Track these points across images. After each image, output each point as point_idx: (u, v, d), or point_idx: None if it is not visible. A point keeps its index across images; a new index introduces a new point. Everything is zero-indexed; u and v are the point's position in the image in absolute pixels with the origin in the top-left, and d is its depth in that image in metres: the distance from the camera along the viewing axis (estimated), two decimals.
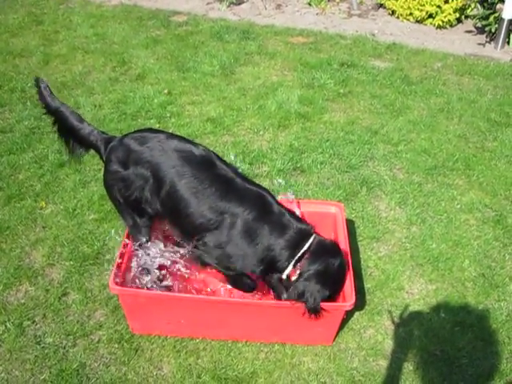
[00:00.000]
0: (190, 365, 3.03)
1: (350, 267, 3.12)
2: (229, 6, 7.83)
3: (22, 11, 7.65)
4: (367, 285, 3.55)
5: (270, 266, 2.98)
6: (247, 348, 3.12)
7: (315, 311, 2.87)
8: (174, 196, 2.97)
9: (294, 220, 2.99)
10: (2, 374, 2.97)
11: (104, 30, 7.07)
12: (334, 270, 2.93)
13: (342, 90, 5.69)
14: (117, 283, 2.97)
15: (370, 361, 3.10)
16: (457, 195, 4.32)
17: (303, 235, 2.96)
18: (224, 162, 3.11)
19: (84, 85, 5.76)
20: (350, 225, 3.98)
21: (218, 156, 3.12)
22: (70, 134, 3.33)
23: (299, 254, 2.93)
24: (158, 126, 5.07)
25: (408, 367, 3.06)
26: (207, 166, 3.01)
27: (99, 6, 7.95)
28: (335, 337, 3.17)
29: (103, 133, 3.31)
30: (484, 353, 3.15)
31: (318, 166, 4.54)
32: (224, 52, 6.45)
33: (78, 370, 2.99)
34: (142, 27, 7.18)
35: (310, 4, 7.83)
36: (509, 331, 3.27)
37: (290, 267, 2.94)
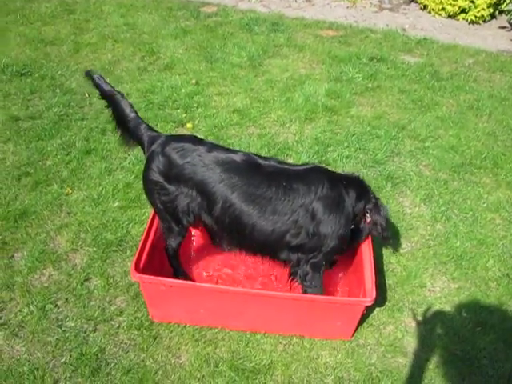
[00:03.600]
0: (207, 354, 3.05)
1: (372, 261, 3.11)
2: None
3: (54, 0, 7.74)
4: (388, 281, 3.53)
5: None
6: (265, 340, 3.13)
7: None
8: (232, 211, 2.89)
9: (348, 175, 3.19)
10: (25, 355, 3.03)
11: (134, 19, 7.12)
12: None
13: (370, 85, 5.63)
14: (138, 271, 3.00)
15: (389, 357, 3.08)
16: (483, 193, 4.26)
17: (362, 184, 3.17)
18: (265, 158, 3.06)
19: (113, 73, 5.81)
20: None
21: (257, 155, 3.07)
22: (120, 122, 3.30)
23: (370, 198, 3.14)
24: (184, 115, 5.10)
25: (427, 366, 3.04)
26: (254, 169, 2.93)
27: None
28: (354, 332, 3.16)
29: (150, 128, 3.21)
30: (505, 354, 3.11)
31: (344, 160, 4.51)
32: (252, 44, 6.43)
33: (97, 355, 3.03)
34: (171, 17, 7.21)
35: None
36: None
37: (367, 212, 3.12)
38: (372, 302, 2.91)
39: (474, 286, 3.52)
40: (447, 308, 3.37)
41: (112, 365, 2.99)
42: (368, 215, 3.13)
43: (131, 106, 3.27)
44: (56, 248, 3.72)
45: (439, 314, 3.34)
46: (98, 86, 3.28)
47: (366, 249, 3.22)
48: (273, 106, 5.27)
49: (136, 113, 3.26)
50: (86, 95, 5.39)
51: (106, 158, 4.50)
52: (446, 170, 4.48)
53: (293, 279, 3.16)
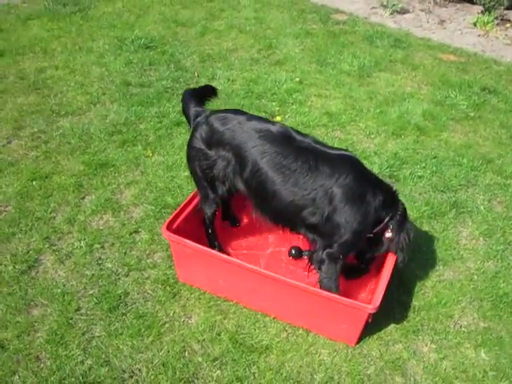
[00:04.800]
0: (215, 322, 3.23)
1: (389, 273, 3.10)
2: (392, 14, 7.78)
3: None
4: (415, 302, 3.46)
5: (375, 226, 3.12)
6: (273, 324, 3.24)
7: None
8: (259, 175, 3.05)
9: (382, 181, 3.21)
10: (63, 280, 3.43)
11: (265, 15, 7.46)
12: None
13: (472, 114, 5.43)
14: (170, 230, 3.26)
15: (386, 373, 3.05)
16: None
17: (394, 196, 3.18)
18: (302, 134, 3.16)
19: (226, 59, 6.18)
20: (423, 242, 3.89)
21: (295, 130, 3.18)
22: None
23: (397, 215, 3.13)
24: (278, 109, 5.31)
25: None
26: (287, 141, 3.06)
27: None
28: (359, 339, 3.16)
29: (198, 104, 3.45)
30: None
31: (415, 180, 4.44)
32: (368, 55, 6.46)
33: (120, 296, 3.35)
34: (300, 19, 7.44)
35: (474, 24, 7.49)
36: None
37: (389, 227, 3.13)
38: (374, 311, 2.90)
39: (504, 330, 3.32)
40: (467, 344, 3.23)
41: (129, 308, 3.29)
42: (389, 231, 3.11)
43: (191, 91, 3.58)
44: (121, 199, 4.11)
45: (455, 347, 3.21)
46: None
47: (389, 260, 3.21)
48: (365, 115, 5.30)
49: (191, 95, 3.52)
50: (196, 74, 5.81)
51: None
52: None
53: (311, 264, 3.24)
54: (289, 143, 3.05)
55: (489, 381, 3.04)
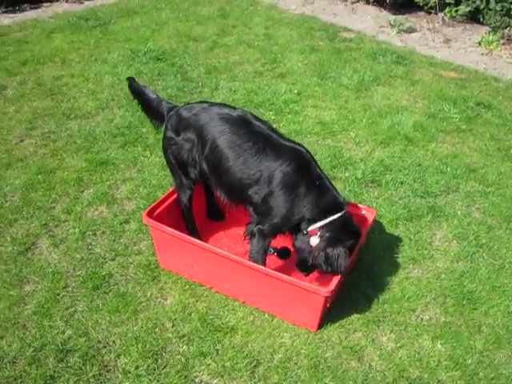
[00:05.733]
0: (188, 303, 3.50)
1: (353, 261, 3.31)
2: (399, 33, 8.04)
3: (215, 5, 8.77)
4: (380, 296, 3.63)
5: (300, 221, 3.30)
6: (242, 308, 3.47)
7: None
8: (216, 151, 3.37)
9: (331, 186, 3.34)
10: (55, 261, 3.76)
11: (274, 32, 7.81)
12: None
13: (463, 126, 5.63)
14: (150, 216, 3.55)
15: (343, 358, 3.21)
16: None
17: (337, 205, 3.28)
18: (261, 120, 3.46)
19: (231, 71, 6.53)
20: (396, 242, 4.08)
21: (255, 116, 3.49)
22: (146, 106, 3.93)
23: (327, 221, 3.23)
24: (273, 117, 5.59)
25: (375, 379, 3.12)
26: (244, 124, 3.37)
27: (283, 12, 8.74)
28: (320, 325, 3.36)
29: (169, 103, 3.84)
30: None
31: (396, 185, 4.65)
32: (369, 70, 6.72)
33: (104, 277, 3.65)
34: (308, 36, 7.76)
35: (479, 43, 7.68)
36: None
37: (314, 228, 3.25)
38: (328, 294, 3.10)
39: (464, 325, 3.47)
40: (425, 336, 3.38)
41: (111, 287, 3.58)
42: (317, 237, 3.26)
43: (153, 91, 3.93)
44: (116, 193, 4.44)
45: (414, 338, 3.36)
46: (129, 86, 4.03)
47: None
48: (357, 125, 5.54)
49: (157, 95, 3.90)
50: (200, 85, 6.15)
51: None
52: (497, 217, 4.40)
53: (245, 237, 3.53)
54: (245, 126, 3.36)
55: (441, 369, 3.20)
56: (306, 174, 3.27)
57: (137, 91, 3.96)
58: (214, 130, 3.38)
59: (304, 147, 3.40)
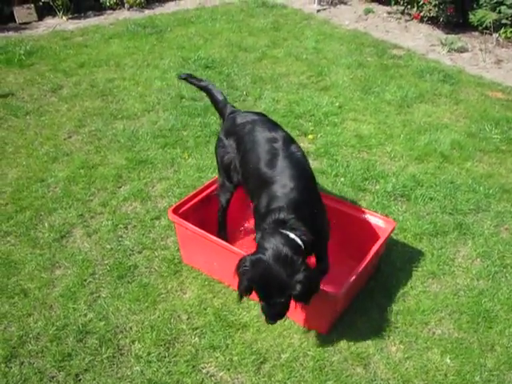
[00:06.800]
0: (205, 299, 3.64)
1: (361, 269, 3.36)
2: (449, 52, 7.98)
3: (270, 19, 8.97)
4: (394, 307, 3.65)
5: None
6: (256, 307, 3.53)
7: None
8: (242, 166, 3.51)
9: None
10: (85, 250, 4.01)
11: (324, 46, 7.92)
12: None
13: (503, 147, 5.55)
14: (175, 213, 3.73)
15: (349, 363, 3.27)
16: None
17: (287, 226, 2.99)
18: (289, 151, 3.32)
19: (276, 82, 6.68)
20: (417, 256, 4.09)
21: (291, 140, 3.46)
22: (214, 106, 4.17)
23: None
24: (312, 128, 5.70)
25: None
26: (274, 154, 3.28)
27: (335, 27, 8.85)
28: (330, 328, 3.44)
29: (233, 106, 4.03)
30: None
31: (425, 200, 4.65)
32: (414, 87, 6.72)
33: (130, 268, 3.85)
34: (357, 51, 7.83)
35: None
36: None
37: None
38: (337, 296, 3.19)
39: (477, 343, 3.45)
40: (434, 350, 3.39)
41: (135, 278, 3.78)
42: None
43: (221, 92, 4.11)
44: (151, 191, 4.66)
45: (423, 351, 3.37)
46: (192, 83, 4.28)
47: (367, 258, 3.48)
48: (394, 140, 5.56)
49: (224, 97, 4.08)
50: (244, 93, 6.34)
51: None
52: None
53: None
54: (274, 155, 3.28)
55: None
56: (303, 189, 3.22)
57: (203, 89, 4.22)
58: (248, 145, 3.45)
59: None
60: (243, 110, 4.01)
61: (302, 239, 2.95)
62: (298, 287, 2.77)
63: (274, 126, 3.61)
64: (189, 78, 4.29)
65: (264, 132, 3.47)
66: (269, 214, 3.04)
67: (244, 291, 2.93)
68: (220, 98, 4.06)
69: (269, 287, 2.84)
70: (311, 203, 3.19)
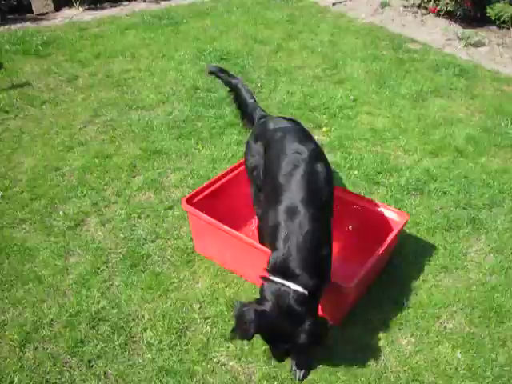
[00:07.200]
0: (218, 288, 3.67)
1: (374, 261, 3.36)
2: (466, 46, 7.90)
3: (285, 11, 8.94)
4: (406, 300, 3.65)
5: None
6: None
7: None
8: (266, 168, 3.35)
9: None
10: (99, 238, 4.06)
11: (339, 39, 7.89)
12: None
13: None
14: (189, 203, 3.75)
15: (359, 355, 3.26)
16: None
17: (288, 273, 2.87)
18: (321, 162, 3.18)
19: (291, 75, 6.67)
20: (430, 250, 4.08)
21: (319, 155, 3.25)
22: (241, 107, 4.05)
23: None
24: (326, 121, 5.69)
25: (388, 379, 3.17)
26: (295, 167, 3.07)
27: (351, 20, 8.79)
28: (342, 322, 3.43)
29: (263, 110, 3.88)
30: None
31: (439, 194, 4.63)
32: (429, 82, 6.67)
33: (143, 256, 3.89)
34: (372, 44, 7.78)
35: None
36: None
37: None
38: (349, 289, 3.20)
39: (488, 338, 3.43)
40: (445, 344, 3.38)
41: (148, 266, 3.82)
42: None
43: (252, 94, 4.02)
44: (165, 181, 4.69)
45: (434, 344, 3.37)
46: (221, 78, 4.12)
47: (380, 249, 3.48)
48: (408, 134, 5.53)
49: (254, 99, 4.00)
50: (259, 85, 6.33)
51: (241, 133, 5.31)
52: None
53: None
54: (295, 168, 3.08)
55: (457, 378, 3.18)
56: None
57: (231, 86, 4.06)
58: (273, 152, 3.29)
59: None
60: (276, 116, 3.89)
61: (305, 287, 2.83)
62: (303, 337, 2.75)
63: (305, 136, 3.40)
64: (218, 73, 4.11)
65: (294, 142, 3.24)
66: (271, 253, 2.98)
67: (243, 339, 2.92)
68: (250, 100, 3.93)
69: (274, 337, 2.85)
70: (315, 240, 2.92)
